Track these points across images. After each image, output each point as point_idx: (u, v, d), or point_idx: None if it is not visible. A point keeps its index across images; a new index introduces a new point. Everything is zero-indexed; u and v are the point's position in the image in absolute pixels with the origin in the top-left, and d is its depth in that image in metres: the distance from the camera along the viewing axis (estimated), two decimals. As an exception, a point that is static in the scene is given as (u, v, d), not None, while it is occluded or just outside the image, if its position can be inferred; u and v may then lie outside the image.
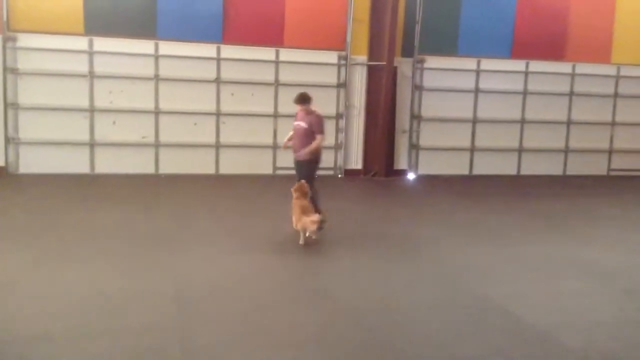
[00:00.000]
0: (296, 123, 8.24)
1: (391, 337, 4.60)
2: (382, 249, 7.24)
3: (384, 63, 12.99)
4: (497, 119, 14.18)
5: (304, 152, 7.98)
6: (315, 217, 7.08)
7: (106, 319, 4.74)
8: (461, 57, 13.88)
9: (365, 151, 13.42)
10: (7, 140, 11.49)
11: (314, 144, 7.92)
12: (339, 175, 13.36)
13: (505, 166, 14.38)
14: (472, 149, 14.18)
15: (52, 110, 11.67)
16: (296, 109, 8.58)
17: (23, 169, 11.65)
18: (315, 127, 7.96)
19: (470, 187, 12.99)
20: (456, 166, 14.06)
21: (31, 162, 11.67)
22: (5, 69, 11.39)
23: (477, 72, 14.02)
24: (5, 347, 4.17)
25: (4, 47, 11.34)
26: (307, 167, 8.11)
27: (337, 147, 13.34)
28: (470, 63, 13.95)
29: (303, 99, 8.10)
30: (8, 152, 11.52)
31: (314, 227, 6.96)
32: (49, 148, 11.72)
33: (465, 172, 14.17)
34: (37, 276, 5.74)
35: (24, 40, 11.50)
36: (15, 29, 11.43)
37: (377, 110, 13.23)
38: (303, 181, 7.86)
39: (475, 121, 14.12)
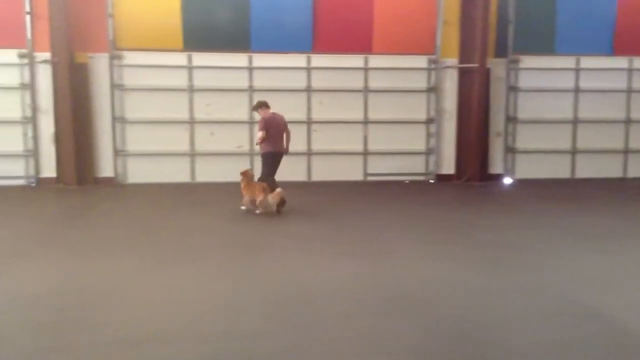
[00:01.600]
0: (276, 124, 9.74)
1: (488, 348, 4.41)
2: (478, 257, 6.98)
3: (476, 65, 12.68)
4: (599, 119, 13.42)
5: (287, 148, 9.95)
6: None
7: (203, 322, 4.88)
8: (559, 55, 13.28)
9: (458, 155, 13.13)
10: (116, 152, 12.32)
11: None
12: (431, 181, 13.16)
13: (610, 168, 13.56)
14: (574, 151, 13.49)
15: (155, 123, 12.38)
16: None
17: (131, 179, 12.44)
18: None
19: (572, 191, 12.33)
20: (556, 169, 13.42)
21: (137, 173, 12.44)
22: (112, 85, 12.23)
23: (577, 70, 13.35)
24: (120, 347, 4.38)
25: (111, 65, 12.19)
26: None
27: (428, 152, 13.16)
28: (568, 61, 13.32)
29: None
30: (117, 164, 12.34)
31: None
32: (153, 159, 12.43)
33: (567, 175, 13.49)
34: (140, 281, 6.03)
35: (129, 57, 12.30)
36: (120, 47, 12.26)
37: (469, 114, 12.91)
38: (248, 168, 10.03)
39: (576, 122, 13.43)
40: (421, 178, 13.14)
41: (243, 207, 9.55)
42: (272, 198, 9.18)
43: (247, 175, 9.64)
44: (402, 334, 4.65)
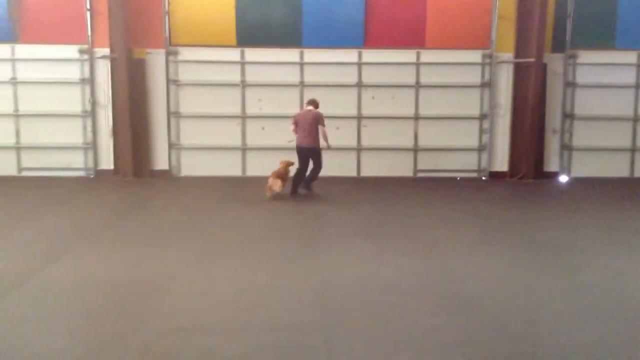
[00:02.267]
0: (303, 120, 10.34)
1: (538, 349, 4.27)
2: (528, 256, 6.80)
3: (532, 60, 12.37)
4: (662, 116, 12.90)
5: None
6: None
7: (256, 313, 4.92)
8: (619, 50, 12.81)
9: (512, 152, 12.83)
10: (171, 145, 12.60)
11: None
12: (484, 178, 12.91)
13: (672, 168, 13.01)
14: (634, 149, 12.99)
15: (208, 117, 12.60)
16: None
17: (184, 172, 12.72)
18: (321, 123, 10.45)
19: (630, 190, 11.86)
20: (615, 168, 12.97)
21: (191, 166, 12.71)
22: (168, 80, 12.52)
23: (638, 66, 12.85)
24: (166, 336, 4.47)
25: (167, 61, 12.47)
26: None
27: (481, 149, 12.91)
28: (630, 56, 12.84)
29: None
30: (171, 157, 12.63)
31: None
32: (205, 152, 12.67)
33: (625, 174, 13.02)
34: (195, 271, 6.13)
35: (184, 53, 12.56)
36: (176, 43, 12.53)
37: (524, 109, 12.60)
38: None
39: (636, 119, 12.93)
40: (473, 175, 12.91)
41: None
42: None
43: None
44: (450, 331, 4.58)
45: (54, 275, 5.93)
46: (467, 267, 6.34)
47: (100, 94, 12.47)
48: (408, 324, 4.73)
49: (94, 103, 12.43)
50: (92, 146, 12.53)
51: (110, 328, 4.61)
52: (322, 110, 12.71)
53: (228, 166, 12.72)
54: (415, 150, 12.89)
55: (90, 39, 12.28)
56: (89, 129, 12.49)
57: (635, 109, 12.93)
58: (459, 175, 12.85)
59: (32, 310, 5.00)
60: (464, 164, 12.92)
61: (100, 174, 12.51)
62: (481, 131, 12.89)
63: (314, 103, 10.57)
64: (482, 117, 12.86)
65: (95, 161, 12.57)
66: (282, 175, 10.29)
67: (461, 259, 6.67)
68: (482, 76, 12.79)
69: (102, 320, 4.77)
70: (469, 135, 12.91)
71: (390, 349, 4.27)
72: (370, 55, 12.66)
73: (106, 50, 12.26)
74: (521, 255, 6.84)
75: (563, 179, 12.79)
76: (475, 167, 12.97)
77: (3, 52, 12.25)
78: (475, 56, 12.75)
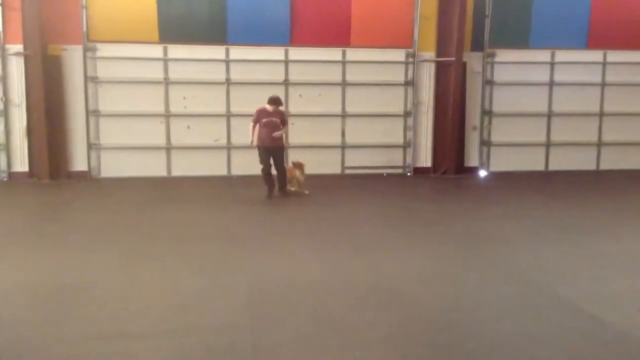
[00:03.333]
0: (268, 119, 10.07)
1: (462, 339, 4.45)
2: (452, 248, 7.06)
3: (453, 58, 12.77)
4: (573, 112, 13.61)
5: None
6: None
7: (181, 317, 4.85)
8: (534, 49, 13.43)
9: (435, 149, 13.22)
10: (89, 146, 12.13)
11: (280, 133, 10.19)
12: (408, 174, 13.23)
13: (584, 161, 13.78)
14: (548, 144, 13.68)
15: (130, 116, 12.22)
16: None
17: (105, 173, 12.28)
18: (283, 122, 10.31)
19: (546, 183, 12.53)
20: (531, 162, 13.61)
21: (112, 167, 12.29)
22: (86, 78, 12.03)
23: (552, 64, 13.52)
24: (88, 343, 4.34)
25: (85, 57, 11.98)
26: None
27: (405, 145, 13.22)
28: (543, 55, 13.48)
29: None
30: (91, 158, 12.16)
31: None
32: (128, 153, 12.29)
33: (541, 168, 13.70)
34: (117, 275, 5.96)
35: (103, 49, 12.11)
36: (94, 39, 12.06)
37: (446, 107, 13.00)
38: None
39: (550, 115, 13.62)
40: (399, 171, 13.21)
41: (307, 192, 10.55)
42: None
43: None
44: (378, 326, 4.67)
45: None
46: (393, 261, 6.49)
47: (13, 93, 11.82)
48: (337, 321, 4.77)
49: (6, 102, 11.76)
50: (4, 147, 11.85)
51: (30, 336, 4.42)
52: (247, 109, 12.66)
53: (152, 166, 12.39)
54: (343, 147, 13.03)
55: (1, 34, 11.62)
56: (1, 129, 11.82)
57: (549, 105, 13.60)
58: (385, 171, 13.11)
59: None
60: (389, 160, 13.18)
61: (13, 176, 11.87)
62: (405, 128, 13.20)
63: (279, 101, 10.19)
64: (406, 114, 13.16)
65: (8, 163, 11.91)
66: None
67: (387, 253, 6.81)
68: (406, 75, 13.08)
69: (21, 328, 4.56)
70: (394, 133, 13.18)
71: (319, 346, 4.31)
72: (297, 53, 12.67)
73: (19, 47, 11.63)
74: (445, 247, 7.06)
75: (482, 173, 13.30)
76: (401, 164, 13.27)
77: None
78: (399, 55, 13.02)
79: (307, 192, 10.52)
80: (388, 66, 13.00)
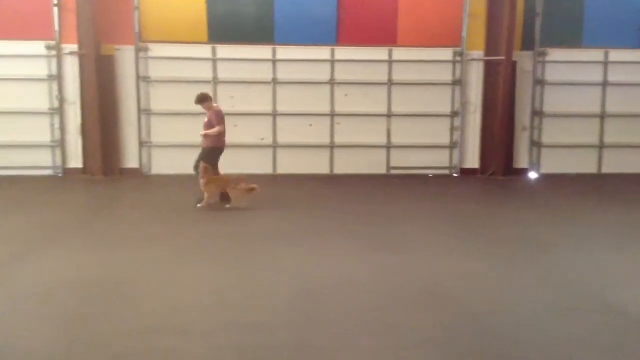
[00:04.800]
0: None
1: (510, 344, 4.35)
2: (499, 251, 6.93)
3: (502, 58, 12.52)
4: (628, 113, 13.16)
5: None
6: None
7: (222, 314, 4.91)
8: (587, 48, 13.05)
9: (483, 149, 13.00)
10: (141, 143, 12.43)
11: (211, 132, 9.25)
12: (455, 175, 13.05)
13: (639, 164, 13.30)
14: (601, 146, 13.26)
15: (180, 115, 12.42)
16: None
17: (155, 170, 12.56)
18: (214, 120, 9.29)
19: (598, 186, 12.15)
20: (583, 164, 13.22)
21: (162, 164, 12.54)
22: (138, 77, 12.33)
23: (605, 64, 13.11)
24: (132, 339, 4.43)
25: (137, 57, 12.28)
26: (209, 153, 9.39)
27: (452, 146, 13.04)
28: (597, 54, 13.07)
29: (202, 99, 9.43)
30: (142, 155, 12.45)
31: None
32: (177, 150, 12.47)
33: (594, 170, 13.29)
34: (160, 272, 6.09)
35: (154, 50, 12.38)
36: (146, 39, 12.35)
37: (495, 107, 12.76)
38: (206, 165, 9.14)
39: (603, 116, 13.20)
40: (445, 172, 13.05)
41: (200, 205, 9.15)
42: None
43: (208, 171, 9.08)
44: (422, 327, 4.62)
45: (20, 277, 5.81)
46: (439, 263, 6.42)
47: (68, 91, 12.22)
48: (380, 321, 4.75)
49: (62, 100, 12.18)
50: (60, 144, 12.27)
51: (76, 330, 4.55)
52: (293, 108, 12.78)
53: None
54: (388, 147, 12.95)
55: (58, 34, 12.02)
56: (57, 126, 12.24)
57: (603, 106, 13.19)
58: (431, 172, 12.96)
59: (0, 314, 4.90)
60: (436, 161, 13.03)
61: (68, 172, 12.26)
62: (452, 128, 13.02)
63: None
64: (454, 114, 12.98)
65: (64, 160, 12.33)
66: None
67: (433, 254, 6.74)
68: (454, 74, 12.91)
69: (68, 322, 4.70)
70: (440, 133, 13.01)
71: (361, 347, 4.29)
72: (343, 52, 12.66)
73: (74, 47, 12.01)
74: (491, 250, 6.93)
75: (532, 175, 12.99)
76: (447, 164, 13.10)
77: (-34, 48, 11.93)
78: (446, 54, 12.86)
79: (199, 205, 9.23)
80: (435, 65, 12.86)
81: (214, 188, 9.14)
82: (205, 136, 9.30)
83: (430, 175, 12.89)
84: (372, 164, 12.92)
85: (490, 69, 12.81)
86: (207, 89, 12.37)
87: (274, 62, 12.60)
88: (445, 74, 12.90)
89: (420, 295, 5.37)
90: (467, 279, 5.86)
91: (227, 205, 9.23)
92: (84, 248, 6.97)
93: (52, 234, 7.55)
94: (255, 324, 4.68)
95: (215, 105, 9.55)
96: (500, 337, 4.45)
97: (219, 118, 9.26)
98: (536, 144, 13.16)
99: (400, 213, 9.16)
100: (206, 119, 9.38)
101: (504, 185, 12.09)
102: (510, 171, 12.91)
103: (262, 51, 12.54)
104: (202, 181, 9.08)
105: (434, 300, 5.24)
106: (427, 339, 4.42)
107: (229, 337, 4.44)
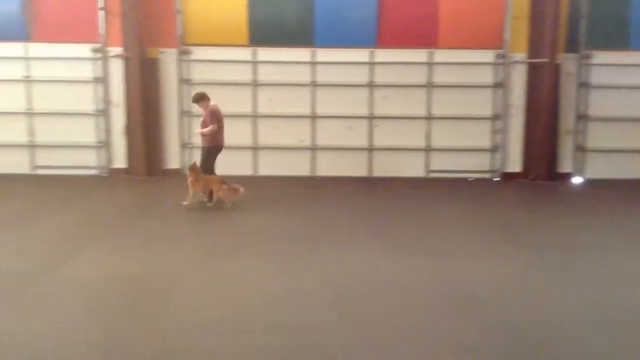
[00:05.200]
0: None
1: (549, 352, 4.25)
2: (541, 257, 6.78)
3: (546, 60, 12.29)
4: (678, 116, 12.77)
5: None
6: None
7: (265, 313, 4.94)
8: (634, 50, 12.68)
9: (525, 153, 12.76)
10: (183, 145, 12.63)
11: (205, 130, 9.38)
12: (496, 179, 12.84)
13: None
14: (648, 151, 12.90)
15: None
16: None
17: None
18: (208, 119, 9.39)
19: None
20: (630, 170, 12.82)
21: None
22: (180, 79, 12.53)
23: (653, 66, 12.74)
24: (174, 336, 4.50)
25: (179, 60, 12.49)
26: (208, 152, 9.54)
27: (493, 149, 12.85)
28: (644, 57, 12.73)
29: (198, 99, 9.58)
30: (184, 156, 12.62)
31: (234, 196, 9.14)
32: (217, 152, 12.66)
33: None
34: (203, 269, 6.18)
35: (196, 52, 12.57)
36: (188, 42, 12.54)
37: (538, 110, 12.52)
38: (194, 162, 9.52)
39: (650, 120, 12.84)
40: (486, 176, 12.86)
41: (185, 203, 9.23)
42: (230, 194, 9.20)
43: (195, 169, 9.27)
44: (462, 334, 4.57)
45: (69, 273, 5.98)
46: (479, 268, 6.33)
47: (113, 93, 12.50)
48: (421, 326, 4.72)
49: (107, 102, 12.47)
50: (105, 145, 12.58)
51: (122, 325, 4.65)
52: (332, 110, 12.79)
53: (240, 165, 12.67)
54: (428, 150, 12.84)
55: (103, 37, 12.32)
56: (103, 127, 12.54)
57: (650, 110, 12.83)
58: (471, 176, 12.80)
59: (48, 307, 5.04)
60: (476, 164, 12.85)
61: (113, 172, 12.54)
62: (494, 132, 12.83)
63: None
64: (495, 117, 12.79)
65: (109, 160, 12.62)
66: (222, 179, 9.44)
67: (473, 260, 6.65)
68: (495, 76, 12.72)
69: (114, 318, 4.81)
70: (481, 136, 12.84)
71: (401, 351, 4.26)
72: (383, 54, 12.61)
73: (119, 50, 12.28)
74: (534, 256, 6.81)
75: (577, 180, 12.70)
76: (488, 168, 12.91)
77: (16, 51, 12.30)
78: (488, 56, 12.68)
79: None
80: (476, 68, 12.69)
81: (199, 187, 9.23)
82: (202, 135, 9.45)
83: (470, 179, 12.72)
84: (411, 167, 12.83)
85: (533, 72, 12.58)
86: (247, 91, 12.63)
87: (313, 64, 12.64)
88: (487, 76, 12.72)
89: (458, 300, 5.31)
90: (507, 286, 5.77)
91: (209, 204, 9.33)
92: (127, 245, 7.14)
93: (97, 232, 7.75)
94: (295, 325, 4.71)
95: (212, 104, 9.59)
96: (537, 348, 4.34)
97: (212, 117, 9.36)
98: (580, 148, 12.84)
99: (439, 217, 9.07)
100: (202, 118, 9.55)
101: (547, 190, 11.85)
102: (553, 176, 12.64)
103: (302, 54, 12.59)
104: (189, 179, 9.22)
105: (472, 306, 5.18)
106: (469, 345, 4.36)
107: (269, 337, 4.48)
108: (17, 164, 12.42)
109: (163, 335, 4.48)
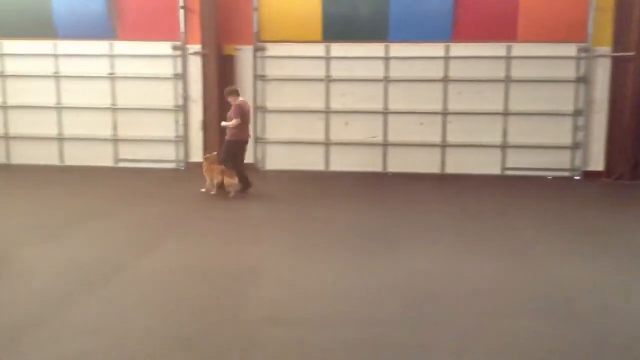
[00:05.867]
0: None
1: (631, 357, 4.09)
2: (626, 261, 6.48)
3: (632, 54, 11.67)
4: None
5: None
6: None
7: (342, 308, 4.98)
8: None
9: (609, 152, 12.19)
10: (257, 140, 12.88)
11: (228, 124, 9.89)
12: (576, 178, 12.35)
13: None
14: None
15: (293, 112, 12.77)
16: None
17: (269, 166, 12.97)
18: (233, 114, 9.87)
19: None
20: None
21: (275, 160, 12.94)
22: (255, 76, 12.78)
23: None
24: (257, 327, 4.60)
25: (255, 57, 12.73)
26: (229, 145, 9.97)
27: (574, 147, 12.35)
28: None
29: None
30: (257, 151, 12.90)
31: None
32: (290, 147, 12.86)
33: None
34: (283, 263, 6.28)
35: (271, 49, 12.77)
36: (263, 40, 12.76)
37: (622, 106, 11.93)
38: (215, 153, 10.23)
39: None
40: (565, 174, 12.38)
41: (203, 190, 10.05)
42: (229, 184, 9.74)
43: (209, 159, 10.08)
44: (544, 338, 4.44)
45: (144, 264, 6.22)
46: (561, 270, 6.14)
47: (192, 90, 12.91)
48: (500, 328, 4.62)
49: (186, 98, 12.90)
50: (183, 139, 13.02)
51: (201, 317, 4.80)
52: (404, 106, 12.68)
53: (312, 161, 12.85)
54: (504, 147, 12.50)
55: (183, 36, 12.74)
56: (181, 123, 12.98)
57: None
58: (550, 174, 12.36)
59: (127, 297, 5.26)
60: (556, 162, 12.39)
61: (191, 166, 12.93)
62: (575, 129, 12.33)
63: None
64: (577, 114, 12.28)
65: (186, 154, 13.06)
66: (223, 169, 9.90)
67: (556, 262, 6.45)
68: (577, 71, 12.21)
69: (193, 309, 4.98)
70: (561, 133, 12.36)
71: (481, 354, 4.20)
72: (459, 49, 12.37)
73: (198, 47, 12.65)
74: (619, 259, 6.53)
75: (665, 180, 12.03)
76: (568, 167, 12.42)
77: (103, 49, 12.93)
78: (569, 50, 12.17)
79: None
80: (557, 62, 12.22)
81: (209, 175, 9.98)
82: (227, 128, 9.93)
83: (550, 178, 12.28)
84: (486, 164, 12.54)
85: (619, 66, 11.97)
86: (320, 87, 12.72)
87: (387, 59, 12.56)
88: (568, 71, 12.21)
89: (542, 303, 5.15)
90: (592, 289, 5.57)
91: (232, 192, 9.77)
92: (206, 237, 7.38)
93: (177, 224, 8.07)
94: (373, 320, 4.73)
95: (241, 100, 9.99)
96: (624, 349, 4.19)
97: (236, 112, 9.76)
98: (669, 147, 12.16)
99: (519, 216, 8.83)
100: (229, 112, 10.01)
101: (632, 190, 11.27)
102: (638, 175, 12.01)
103: (376, 49, 12.55)
104: (203, 169, 10.11)
105: (557, 310, 5.02)
106: (551, 351, 4.24)
107: (350, 332, 4.51)
108: (102, 157, 13.09)
109: (244, 327, 4.60)
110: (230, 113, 9.90)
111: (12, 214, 8.56)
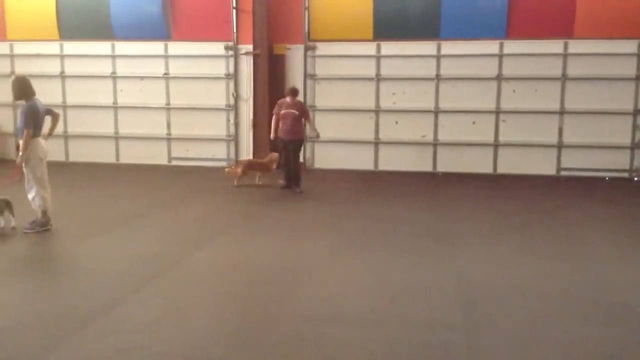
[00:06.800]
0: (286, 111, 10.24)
1: None
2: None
3: None
4: None
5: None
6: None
7: (392, 308, 4.96)
8: None
9: (670, 151, 11.71)
10: (306, 138, 12.88)
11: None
12: (636, 179, 11.89)
13: None
14: None
15: (343, 111, 12.77)
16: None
17: (318, 165, 13.02)
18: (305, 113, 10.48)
19: None
20: None
21: (324, 159, 12.98)
22: (305, 75, 12.84)
23: None
24: (304, 324, 4.63)
25: (305, 56, 12.79)
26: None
27: (634, 147, 11.89)
28: None
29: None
30: (306, 149, 12.95)
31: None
32: (339, 146, 12.85)
33: None
34: (332, 261, 6.30)
35: (321, 48, 12.80)
36: (314, 39, 12.81)
37: (687, 104, 11.43)
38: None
39: None
40: (624, 175, 11.94)
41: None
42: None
43: (242, 162, 11.38)
44: (602, 342, 4.33)
45: (195, 260, 6.35)
46: (620, 273, 5.97)
47: (242, 89, 13.09)
48: (555, 331, 4.51)
49: (237, 97, 13.08)
50: (234, 138, 13.22)
51: (255, 312, 4.88)
52: (456, 105, 12.48)
53: (361, 160, 12.81)
54: (559, 147, 12.15)
55: (235, 36, 12.92)
56: (232, 121, 13.18)
57: None
58: (607, 175, 11.93)
59: (182, 292, 5.39)
60: (613, 162, 11.97)
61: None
62: (634, 128, 11.86)
63: (297, 92, 10.49)
64: (636, 112, 11.81)
65: (237, 152, 13.25)
66: (259, 167, 11.17)
67: (612, 265, 6.28)
68: (638, 68, 11.74)
69: (247, 304, 5.07)
70: (620, 132, 11.92)
71: (535, 356, 4.11)
72: (513, 46, 12.08)
73: (249, 47, 12.81)
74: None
75: None
76: (627, 167, 11.97)
77: (158, 49, 13.25)
78: (630, 46, 11.73)
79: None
80: (616, 59, 11.79)
81: (243, 169, 10.98)
82: (299, 127, 10.52)
83: (607, 179, 11.86)
84: (540, 164, 12.22)
85: (682, 62, 11.48)
86: (370, 86, 12.67)
87: (438, 57, 12.40)
88: (629, 68, 11.77)
89: (600, 306, 5.02)
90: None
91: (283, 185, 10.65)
92: (258, 234, 7.49)
93: (231, 220, 8.22)
94: (420, 321, 4.70)
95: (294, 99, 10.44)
96: None
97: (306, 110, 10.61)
98: None
99: (575, 217, 8.60)
100: (294, 111, 10.34)
101: (697, 192, 10.79)
102: (702, 176, 11.50)
103: (427, 47, 12.41)
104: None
105: (615, 313, 4.87)
106: (610, 355, 4.12)
107: (399, 332, 4.49)
108: (156, 155, 13.42)
109: (293, 323, 4.64)
110: (297, 113, 10.28)
111: (71, 209, 8.87)
